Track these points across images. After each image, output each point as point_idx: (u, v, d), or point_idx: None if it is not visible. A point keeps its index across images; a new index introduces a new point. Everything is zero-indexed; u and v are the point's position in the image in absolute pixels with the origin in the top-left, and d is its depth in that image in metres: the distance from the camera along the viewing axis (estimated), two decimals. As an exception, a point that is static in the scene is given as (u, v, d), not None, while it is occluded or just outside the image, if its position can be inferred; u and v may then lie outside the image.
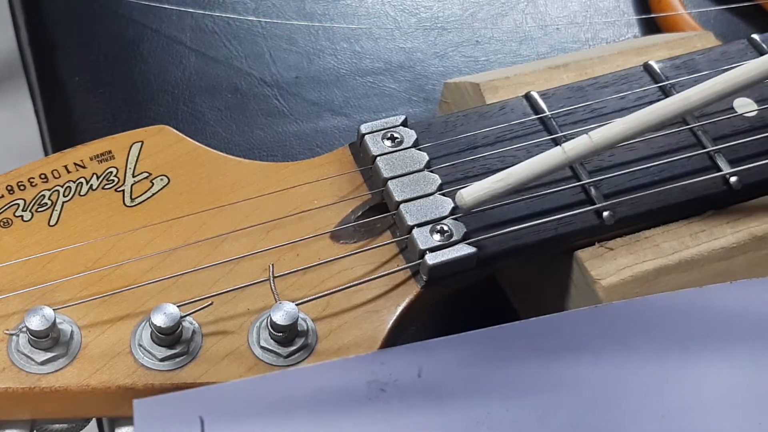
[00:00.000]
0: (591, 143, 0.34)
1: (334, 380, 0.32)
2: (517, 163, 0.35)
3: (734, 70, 0.36)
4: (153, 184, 0.37)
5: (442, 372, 0.32)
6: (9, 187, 0.36)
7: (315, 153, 0.48)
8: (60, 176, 0.37)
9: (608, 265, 0.36)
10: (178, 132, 0.39)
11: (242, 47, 0.52)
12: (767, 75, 0.36)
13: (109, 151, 0.38)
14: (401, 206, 0.36)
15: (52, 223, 0.36)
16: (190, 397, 0.31)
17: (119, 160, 0.37)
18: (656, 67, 0.41)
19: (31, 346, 0.33)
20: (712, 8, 0.56)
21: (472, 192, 0.34)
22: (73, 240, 0.35)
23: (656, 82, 0.40)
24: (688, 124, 0.39)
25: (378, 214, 0.37)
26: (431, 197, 0.36)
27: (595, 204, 0.37)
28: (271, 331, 0.33)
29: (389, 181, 0.37)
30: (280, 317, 0.33)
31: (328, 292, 0.35)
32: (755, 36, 0.42)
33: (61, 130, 0.50)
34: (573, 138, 0.36)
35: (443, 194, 0.37)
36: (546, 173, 0.35)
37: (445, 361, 0.32)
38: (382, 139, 0.38)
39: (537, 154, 0.36)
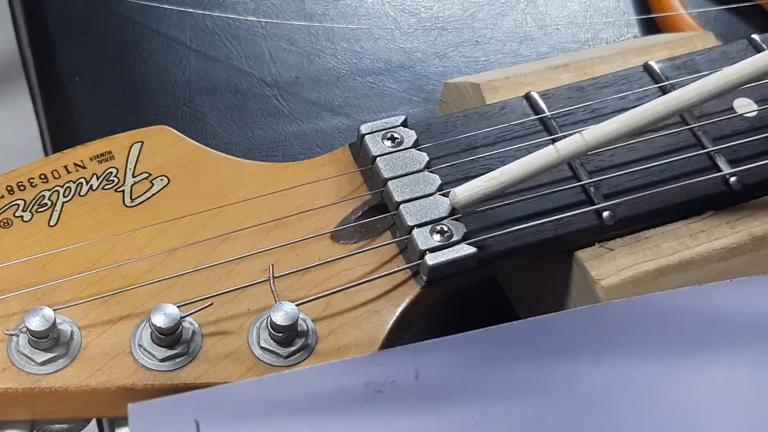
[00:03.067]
0: (583, 142, 0.34)
1: (331, 382, 0.32)
2: (516, 164, 0.35)
3: (727, 69, 0.36)
4: (153, 184, 0.37)
5: (440, 373, 0.32)
6: (9, 188, 0.36)
7: (315, 153, 0.48)
8: (60, 176, 0.37)
9: (608, 266, 0.36)
10: (178, 132, 0.39)
11: (242, 47, 0.52)
12: (761, 73, 0.36)
13: (109, 152, 0.38)
14: (401, 206, 0.36)
15: (52, 223, 0.36)
16: (185, 400, 0.31)
17: (119, 160, 0.37)
18: (656, 67, 0.41)
19: (31, 346, 0.33)
20: (712, 8, 0.56)
21: (465, 191, 0.34)
22: (73, 240, 0.35)
23: (656, 83, 0.40)
24: (688, 125, 0.39)
25: (378, 214, 0.37)
26: (431, 197, 0.36)
27: (595, 204, 0.37)
28: (271, 331, 0.33)
29: (389, 182, 0.37)
30: (280, 318, 0.33)
31: (328, 292, 0.35)
32: (755, 36, 0.42)
33: (61, 130, 0.50)
34: (573, 138, 0.36)
35: (443, 194, 0.36)
36: (539, 172, 0.35)
37: (443, 362, 0.32)
38: (382, 139, 0.38)
39: (537, 154, 0.36)
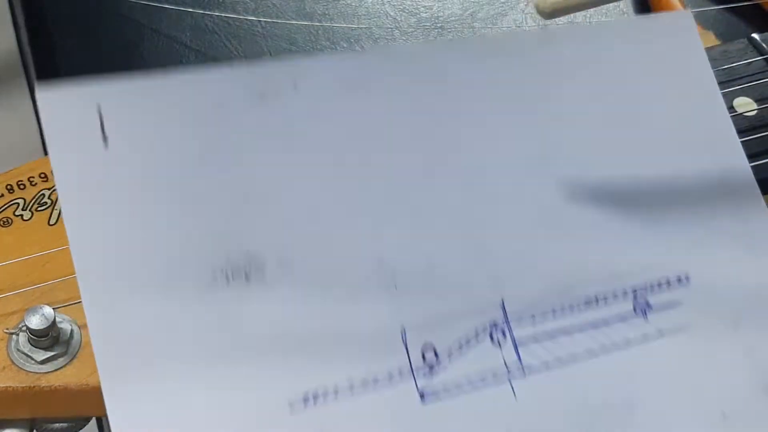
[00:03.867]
0: None
1: (220, 89, 0.31)
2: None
3: None
4: (153, 183, 0.37)
5: (318, 87, 0.32)
6: (9, 187, 0.36)
7: (315, 153, 0.48)
8: (60, 175, 0.37)
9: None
10: (178, 131, 0.39)
11: (242, 47, 0.52)
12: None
13: (109, 151, 0.38)
14: (401, 205, 0.36)
15: (51, 222, 0.36)
16: (91, 85, 0.30)
17: (119, 159, 0.37)
18: (656, 66, 0.41)
19: (31, 345, 0.33)
20: (712, 8, 0.56)
21: None
22: (73, 239, 0.35)
23: (656, 82, 0.40)
24: (688, 124, 0.39)
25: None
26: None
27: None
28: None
29: (389, 181, 0.37)
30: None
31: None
32: (755, 36, 0.42)
33: (61, 129, 0.50)
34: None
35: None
36: None
37: (319, 76, 0.32)
38: (382, 138, 0.38)
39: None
